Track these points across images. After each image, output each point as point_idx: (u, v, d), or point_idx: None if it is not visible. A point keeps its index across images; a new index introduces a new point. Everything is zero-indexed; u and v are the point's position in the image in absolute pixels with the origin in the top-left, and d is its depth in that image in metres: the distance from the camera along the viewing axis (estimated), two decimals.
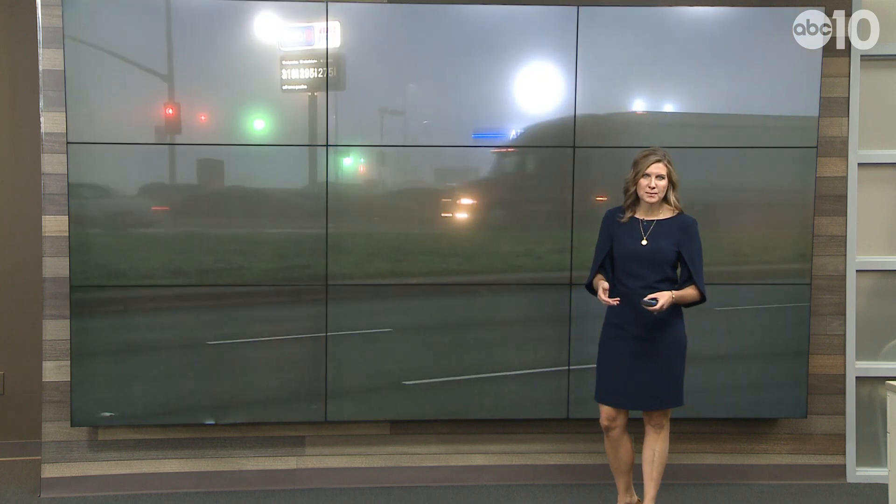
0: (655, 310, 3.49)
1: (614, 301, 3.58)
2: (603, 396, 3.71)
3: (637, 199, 3.66)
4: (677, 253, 3.62)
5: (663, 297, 3.50)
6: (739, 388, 4.37)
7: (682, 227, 3.62)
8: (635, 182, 3.63)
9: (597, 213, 4.06)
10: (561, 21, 4.23)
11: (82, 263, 4.10)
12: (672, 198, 3.62)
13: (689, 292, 3.60)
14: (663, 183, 3.58)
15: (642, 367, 3.61)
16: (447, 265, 4.30)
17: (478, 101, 4.27)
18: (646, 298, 3.50)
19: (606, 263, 3.73)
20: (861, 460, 4.60)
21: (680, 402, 3.68)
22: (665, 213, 3.64)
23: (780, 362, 4.36)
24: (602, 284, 3.65)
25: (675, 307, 3.62)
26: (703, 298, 3.64)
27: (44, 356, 4.25)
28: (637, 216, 3.67)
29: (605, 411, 3.70)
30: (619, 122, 4.34)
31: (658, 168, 3.57)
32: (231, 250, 4.22)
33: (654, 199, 3.60)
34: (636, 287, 3.59)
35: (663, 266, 3.61)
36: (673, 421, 4.11)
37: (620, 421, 3.71)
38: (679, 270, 3.68)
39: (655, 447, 3.70)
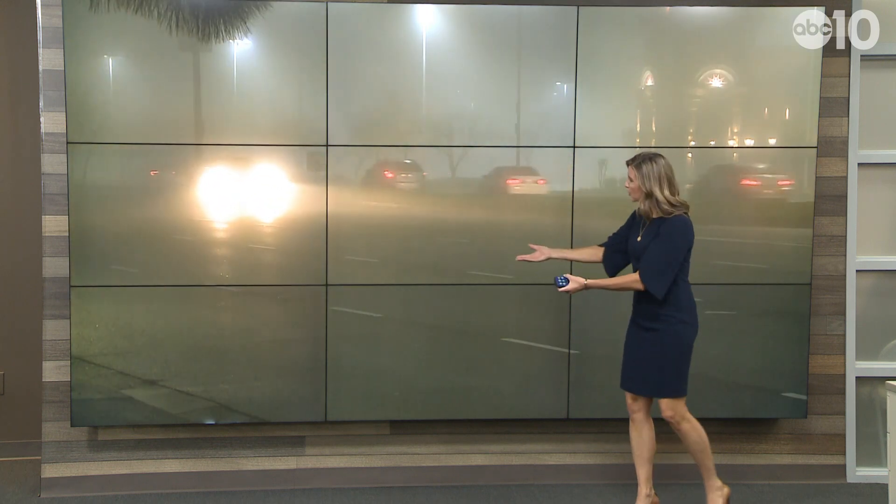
0: (564, 290, 3.71)
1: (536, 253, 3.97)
2: (621, 381, 3.88)
3: None
4: None
5: (574, 282, 3.72)
6: (740, 389, 4.37)
7: (662, 224, 3.70)
8: None
9: (596, 214, 4.08)
10: (561, 21, 4.23)
11: (82, 263, 4.10)
12: (656, 200, 3.68)
13: (622, 280, 3.74)
14: (633, 185, 3.75)
15: (640, 355, 3.76)
16: (448, 266, 4.31)
17: (478, 101, 4.27)
18: (558, 277, 3.76)
19: (613, 244, 3.91)
20: (861, 460, 4.60)
21: (671, 394, 3.72)
22: (657, 213, 3.72)
23: (780, 362, 4.36)
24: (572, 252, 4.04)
25: (675, 302, 3.69)
26: (645, 289, 3.67)
27: (44, 356, 4.25)
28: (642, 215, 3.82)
29: (627, 395, 3.87)
30: (618, 122, 4.34)
31: (629, 171, 3.76)
32: (231, 250, 4.22)
33: (632, 198, 3.79)
34: None
35: None
36: None
37: (640, 405, 3.84)
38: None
39: (684, 442, 3.83)
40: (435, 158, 4.30)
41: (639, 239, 3.75)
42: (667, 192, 3.67)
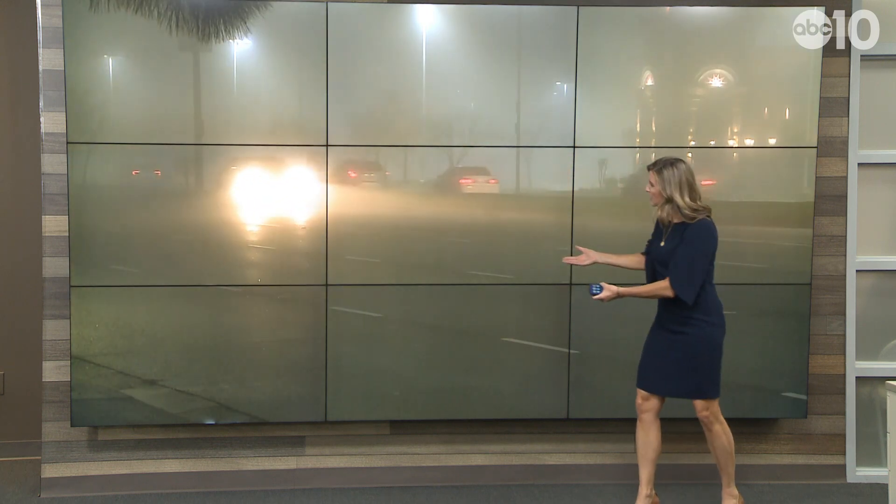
0: (597, 298, 3.71)
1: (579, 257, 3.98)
2: (637, 380, 3.88)
3: None
4: None
5: (608, 290, 3.71)
6: (740, 389, 4.37)
7: (686, 229, 3.69)
8: None
9: (597, 214, 4.06)
10: (561, 21, 4.23)
11: (82, 263, 4.10)
12: (677, 206, 3.67)
13: (652, 287, 3.72)
14: (653, 190, 3.73)
15: (672, 357, 3.74)
16: (448, 266, 4.30)
17: (478, 101, 4.27)
18: (592, 284, 3.75)
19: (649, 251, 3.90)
20: (861, 460, 4.60)
21: (708, 395, 3.75)
22: (678, 218, 3.71)
23: (780, 362, 4.36)
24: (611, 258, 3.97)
25: (703, 306, 3.68)
26: (675, 295, 3.66)
27: (44, 356, 4.25)
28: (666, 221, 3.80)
29: (639, 393, 3.85)
30: (618, 122, 4.34)
31: (650, 176, 3.75)
32: (231, 250, 4.22)
33: (652, 203, 3.77)
34: None
35: None
36: (674, 421, 4.13)
37: (651, 405, 3.83)
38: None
39: (712, 443, 3.84)
40: (435, 158, 4.30)
41: (662, 244, 3.74)
42: (687, 198, 3.65)
